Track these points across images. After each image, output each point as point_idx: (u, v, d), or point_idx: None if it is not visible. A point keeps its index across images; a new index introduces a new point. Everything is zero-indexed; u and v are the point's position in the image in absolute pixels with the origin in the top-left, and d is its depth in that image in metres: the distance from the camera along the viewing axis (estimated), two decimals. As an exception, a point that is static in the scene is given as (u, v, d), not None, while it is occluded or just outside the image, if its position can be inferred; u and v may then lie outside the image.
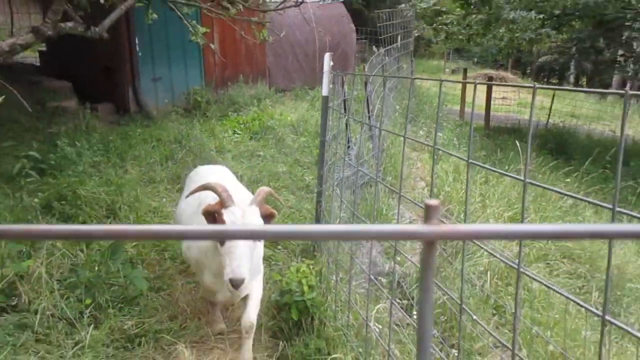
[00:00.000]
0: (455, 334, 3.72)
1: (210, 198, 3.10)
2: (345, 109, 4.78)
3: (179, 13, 5.55)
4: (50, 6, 4.30)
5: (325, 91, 3.96)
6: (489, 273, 4.74)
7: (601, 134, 15.54)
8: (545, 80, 32.27)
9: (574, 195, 1.39)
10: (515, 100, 19.13)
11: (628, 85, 25.84)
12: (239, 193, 3.21)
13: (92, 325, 3.54)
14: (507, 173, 1.67)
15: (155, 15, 5.96)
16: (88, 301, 3.72)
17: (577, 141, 14.17)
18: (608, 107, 21.07)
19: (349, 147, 5.33)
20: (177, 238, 0.44)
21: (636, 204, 7.64)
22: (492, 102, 14.81)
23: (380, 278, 4.09)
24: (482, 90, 15.59)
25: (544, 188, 1.42)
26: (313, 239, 0.43)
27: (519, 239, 0.41)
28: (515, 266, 1.51)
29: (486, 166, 1.76)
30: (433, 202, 0.42)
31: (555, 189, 1.46)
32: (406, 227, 0.41)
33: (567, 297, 1.40)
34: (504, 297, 4.62)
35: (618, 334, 4.40)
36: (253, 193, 3.08)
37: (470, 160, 1.69)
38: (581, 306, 1.35)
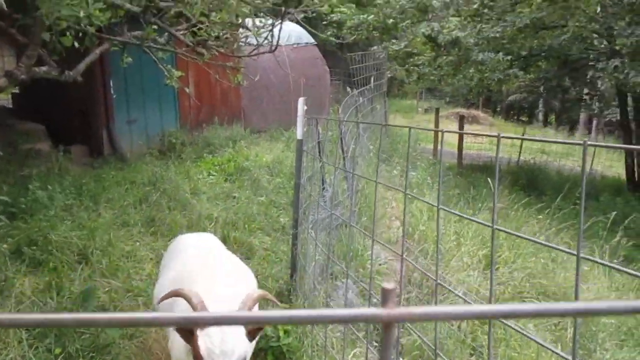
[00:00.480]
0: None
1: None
2: (319, 152, 4.84)
3: (154, 57, 5.60)
4: (24, 50, 4.31)
5: (299, 135, 4.01)
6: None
7: (571, 170, 15.91)
8: (515, 117, 33.05)
9: (540, 241, 1.43)
10: (487, 138, 19.52)
11: (594, 122, 26.56)
12: (224, 283, 2.69)
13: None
14: (477, 219, 1.71)
15: (130, 59, 6.00)
16: (58, 351, 3.63)
17: (548, 177, 14.48)
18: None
19: (324, 188, 5.37)
20: (145, 325, 0.45)
21: (607, 238, 7.78)
22: (464, 140, 15.09)
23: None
24: (454, 128, 15.92)
25: (511, 234, 1.46)
26: (277, 323, 0.45)
27: (472, 319, 0.43)
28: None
29: (456, 212, 1.80)
30: (389, 285, 0.44)
31: (522, 235, 1.50)
32: (365, 311, 0.43)
33: (538, 342, 1.42)
34: (481, 336, 4.64)
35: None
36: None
37: (440, 206, 1.72)
38: (553, 352, 1.37)
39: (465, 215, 1.71)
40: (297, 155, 4.10)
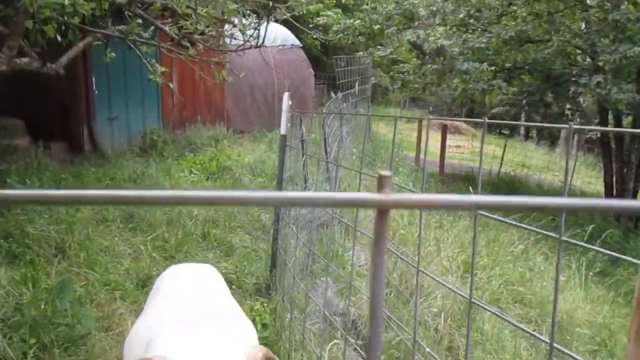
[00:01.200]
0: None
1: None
2: (302, 149, 4.84)
3: (137, 52, 5.57)
4: (5, 41, 4.26)
5: (283, 130, 4.01)
6: (442, 315, 4.77)
7: (550, 184, 16.08)
8: (497, 131, 33.36)
9: (525, 226, 1.44)
10: (469, 149, 19.69)
11: (575, 138, 26.90)
12: (212, 340, 1.97)
13: (35, 364, 3.40)
14: (460, 200, 1.71)
15: (113, 54, 5.95)
16: (32, 341, 3.57)
17: (528, 190, 14.63)
18: (557, 158, 21.86)
19: (305, 186, 5.37)
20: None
21: (583, 252, 7.87)
22: (446, 150, 15.19)
23: (335, 317, 4.07)
24: (436, 138, 16.01)
25: (495, 219, 1.47)
26: (270, 205, 0.44)
27: (468, 209, 0.43)
28: (467, 297, 1.54)
29: (437, 194, 1.81)
30: (385, 172, 0.44)
31: (507, 219, 1.51)
32: (360, 195, 0.43)
33: (515, 325, 1.43)
34: (457, 339, 4.65)
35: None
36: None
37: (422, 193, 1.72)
38: (528, 333, 1.38)
39: (446, 208, 1.71)
40: (281, 150, 4.09)
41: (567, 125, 1.26)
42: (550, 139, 30.68)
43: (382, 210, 0.43)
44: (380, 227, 0.43)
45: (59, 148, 9.35)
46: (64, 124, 9.66)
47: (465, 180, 13.71)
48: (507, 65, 13.00)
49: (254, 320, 3.45)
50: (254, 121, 12.28)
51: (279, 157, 4.18)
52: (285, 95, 3.94)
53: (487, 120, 1.37)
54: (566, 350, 1.17)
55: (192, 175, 8.35)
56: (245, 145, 10.70)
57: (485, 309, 1.74)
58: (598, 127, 10.92)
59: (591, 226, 8.31)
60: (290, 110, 3.96)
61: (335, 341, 3.53)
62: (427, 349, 1.90)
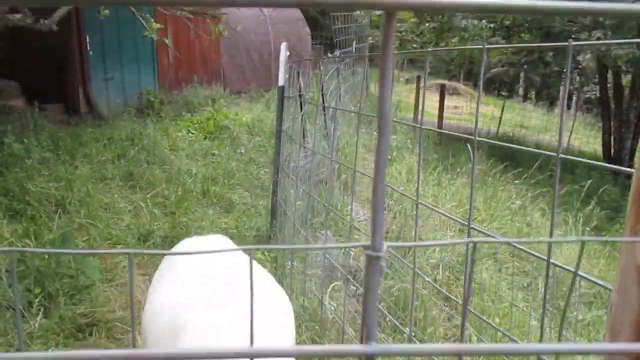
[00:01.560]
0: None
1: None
2: (301, 104, 4.83)
3: (132, 8, 5.50)
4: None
5: (281, 81, 3.99)
6: (440, 266, 4.84)
7: (549, 143, 16.10)
8: (496, 92, 33.18)
9: (520, 147, 1.45)
10: (467, 110, 19.65)
11: (573, 99, 26.83)
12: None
13: (41, 312, 3.46)
14: (459, 135, 1.73)
15: (107, 11, 5.87)
16: (37, 290, 3.63)
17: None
18: (556, 118, 21.84)
19: (304, 141, 5.38)
20: None
21: (580, 208, 7.92)
22: (444, 111, 15.14)
23: (336, 264, 4.13)
24: (434, 99, 15.95)
25: (493, 144, 1.48)
26: None
27: (473, 11, 0.44)
28: (465, 223, 1.56)
29: (439, 129, 1.82)
30: None
31: (507, 144, 1.52)
32: None
33: (514, 245, 1.46)
34: (455, 290, 4.73)
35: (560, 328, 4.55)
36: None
37: (424, 127, 1.73)
38: (525, 251, 1.40)
39: (448, 132, 1.73)
40: (279, 101, 4.08)
41: (566, 43, 1.26)
42: (548, 99, 30.54)
43: (390, 13, 0.44)
44: (387, 32, 0.44)
45: (54, 109, 9.30)
46: (59, 85, 9.60)
47: (463, 140, 13.70)
48: (506, 22, 12.86)
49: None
50: (250, 80, 12.19)
51: (277, 108, 4.17)
52: (283, 45, 3.91)
53: (486, 46, 1.38)
54: (563, 266, 1.20)
55: (190, 134, 8.33)
56: (242, 105, 10.66)
57: (484, 232, 1.77)
58: (596, 42, 10.80)
59: (589, 181, 8.35)
60: (288, 61, 3.94)
61: (336, 283, 3.58)
62: (427, 279, 1.93)
